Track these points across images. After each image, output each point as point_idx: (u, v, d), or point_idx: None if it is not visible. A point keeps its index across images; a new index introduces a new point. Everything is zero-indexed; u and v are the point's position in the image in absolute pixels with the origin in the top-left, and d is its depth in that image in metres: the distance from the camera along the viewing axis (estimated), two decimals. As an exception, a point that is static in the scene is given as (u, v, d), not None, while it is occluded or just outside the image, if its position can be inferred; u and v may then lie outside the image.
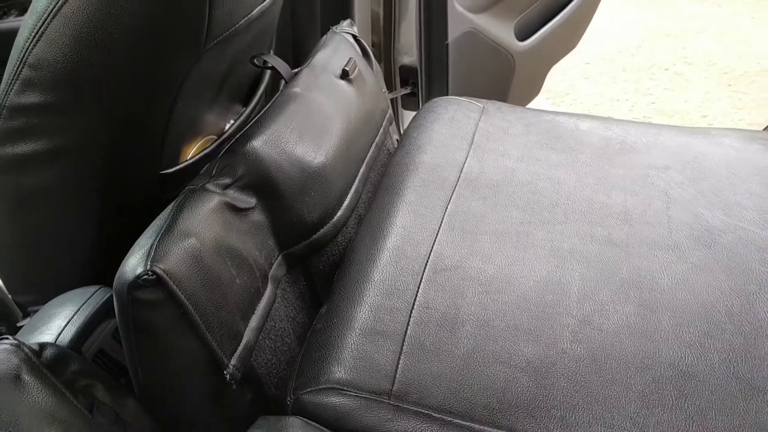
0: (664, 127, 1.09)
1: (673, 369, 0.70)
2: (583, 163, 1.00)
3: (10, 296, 0.97)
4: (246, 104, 1.06)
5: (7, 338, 0.63)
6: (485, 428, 0.66)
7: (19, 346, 0.62)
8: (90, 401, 0.67)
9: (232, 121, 1.04)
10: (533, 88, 1.76)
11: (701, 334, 0.74)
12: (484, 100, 1.16)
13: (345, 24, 1.17)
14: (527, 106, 1.39)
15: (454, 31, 1.44)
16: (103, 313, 0.81)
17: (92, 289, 0.83)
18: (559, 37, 1.73)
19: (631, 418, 0.66)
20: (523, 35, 1.64)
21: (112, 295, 0.80)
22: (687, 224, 0.88)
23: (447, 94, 1.48)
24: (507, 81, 1.62)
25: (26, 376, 0.60)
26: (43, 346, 0.67)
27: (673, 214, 0.90)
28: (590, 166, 1.00)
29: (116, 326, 0.79)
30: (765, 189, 0.94)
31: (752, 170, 0.98)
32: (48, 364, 0.64)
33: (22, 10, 1.31)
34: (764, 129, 1.28)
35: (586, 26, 1.89)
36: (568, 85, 2.77)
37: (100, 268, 0.83)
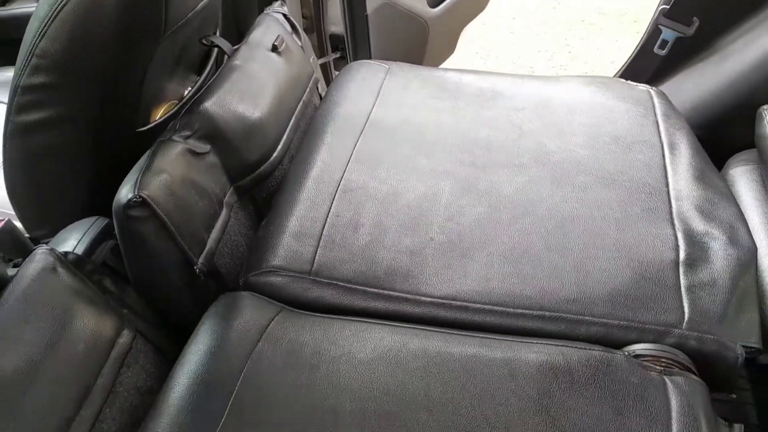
0: (526, 77, 1.40)
1: (505, 246, 1.03)
2: (461, 108, 1.31)
3: (25, 233, 1.25)
4: (199, 74, 1.34)
5: (43, 245, 0.93)
6: (375, 290, 0.98)
7: (52, 250, 0.92)
8: (102, 289, 0.97)
9: (189, 88, 1.32)
10: (448, 48, 2.05)
11: (527, 223, 1.06)
12: (391, 62, 1.46)
13: (276, 5, 1.45)
14: (432, 66, 1.68)
15: (372, 3, 1.72)
16: (102, 235, 1.10)
17: (92, 219, 1.12)
18: (467, 1, 2.02)
19: (477, 278, 0.98)
20: (435, 2, 1.92)
21: (108, 222, 1.10)
22: (531, 149, 1.20)
23: (370, 58, 1.77)
24: (423, 43, 1.91)
25: (59, 268, 0.90)
26: (65, 253, 0.97)
27: (522, 143, 1.22)
28: (466, 110, 1.30)
29: (114, 244, 1.09)
30: (593, 120, 1.26)
31: (586, 107, 1.30)
32: (71, 263, 0.94)
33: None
34: (614, 76, 1.60)
35: (494, -11, 2.17)
36: (494, 41, 3.06)
37: (96, 203, 1.12)
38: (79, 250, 1.05)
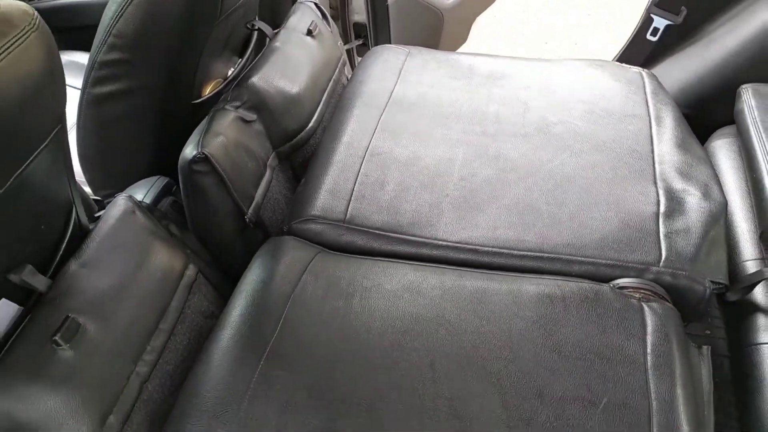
0: (532, 59, 1.57)
1: (510, 201, 1.20)
2: (474, 86, 1.48)
3: (92, 194, 1.43)
4: (241, 56, 1.52)
5: (122, 194, 1.10)
6: (399, 235, 1.15)
7: (131, 197, 1.10)
8: (168, 233, 1.15)
9: (233, 69, 1.49)
10: (460, 37, 2.22)
11: (530, 182, 1.23)
12: (410, 47, 1.63)
13: (308, -5, 1.62)
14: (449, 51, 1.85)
15: (392, -5, 1.89)
16: (163, 192, 1.28)
17: (154, 178, 1.30)
18: (479, -6, 2.18)
19: (486, 226, 1.15)
20: (449, -6, 2.09)
21: (168, 181, 1.28)
22: (535, 122, 1.37)
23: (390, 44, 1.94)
24: (438, 32, 2.08)
25: (137, 212, 1.08)
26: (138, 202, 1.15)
27: (527, 117, 1.38)
28: (478, 88, 1.47)
29: (173, 200, 1.27)
30: (590, 97, 1.43)
31: (584, 86, 1.46)
32: (145, 208, 1.12)
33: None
34: (613, 59, 1.76)
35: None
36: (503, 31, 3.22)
37: (157, 165, 1.30)
38: (146, 202, 1.23)
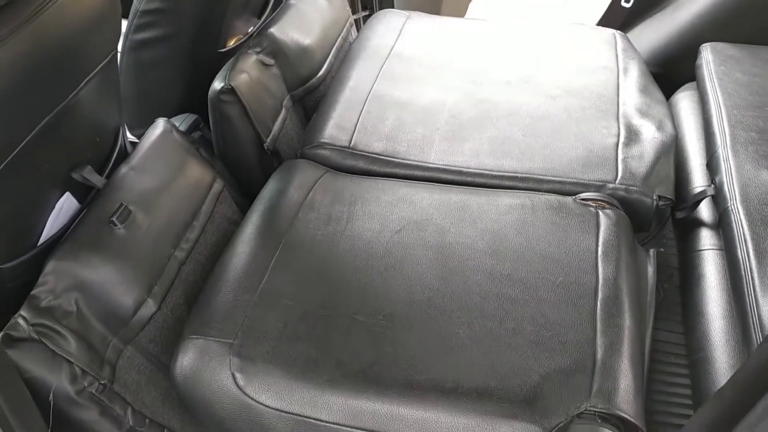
0: (523, 26, 1.76)
1: (492, 134, 1.39)
2: (466, 45, 1.67)
3: (128, 133, 1.63)
4: (260, 17, 1.72)
5: (161, 119, 1.30)
6: (396, 159, 1.35)
7: (168, 120, 1.29)
8: (199, 154, 1.35)
9: (252, 27, 1.69)
10: (459, 8, 2.41)
11: (510, 120, 1.42)
12: (410, 11, 1.82)
13: (320, -36, 1.82)
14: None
15: (396, -31, 2.09)
16: (193, 127, 1.48)
17: (185, 115, 1.50)
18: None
19: (470, 153, 1.34)
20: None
21: (196, 118, 1.48)
22: (518, 73, 1.56)
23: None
24: (438, 4, 2.27)
25: (174, 132, 1.28)
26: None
27: (512, 69, 1.58)
28: (470, 46, 1.67)
29: (200, 135, 1.47)
30: (569, 54, 1.62)
31: (566, 45, 1.65)
32: (180, 131, 1.32)
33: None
34: (596, 24, 1.95)
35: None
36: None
37: (187, 104, 1.50)
38: (178, 134, 1.43)
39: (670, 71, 1.72)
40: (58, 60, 0.97)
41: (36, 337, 0.96)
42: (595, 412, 0.91)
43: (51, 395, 0.97)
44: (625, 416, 0.91)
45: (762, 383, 0.65)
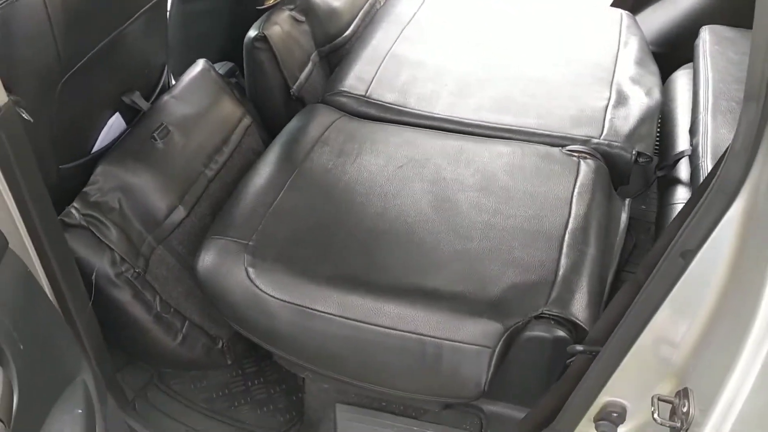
0: (539, 3, 1.90)
1: (494, 93, 1.53)
2: (482, 17, 1.82)
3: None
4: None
5: (201, 60, 1.48)
6: (405, 109, 1.50)
7: (207, 60, 1.47)
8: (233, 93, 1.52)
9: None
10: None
11: (511, 81, 1.57)
12: (435, -15, 1.98)
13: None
14: None
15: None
16: (229, 73, 1.66)
17: (222, 63, 1.68)
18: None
19: (473, 107, 1.50)
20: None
21: (232, 65, 1.66)
22: (527, 42, 1.71)
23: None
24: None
25: (212, 72, 1.46)
26: (211, 70, 1.53)
27: (522, 39, 1.72)
28: (486, 18, 1.82)
29: (235, 81, 1.65)
30: (577, 29, 1.76)
31: (577, 22, 1.79)
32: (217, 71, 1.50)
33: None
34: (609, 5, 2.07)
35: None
36: None
37: (227, 53, 1.68)
38: (215, 78, 1.61)
39: (673, 51, 1.84)
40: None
41: (85, 224, 1.15)
42: (550, 315, 1.06)
43: (94, 275, 1.16)
44: (577, 321, 1.05)
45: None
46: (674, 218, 0.87)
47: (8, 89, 0.91)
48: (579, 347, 0.92)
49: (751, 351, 0.65)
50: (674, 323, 0.73)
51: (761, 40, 0.55)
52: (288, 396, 1.39)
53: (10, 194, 0.93)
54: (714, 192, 0.63)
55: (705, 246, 0.65)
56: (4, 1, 0.96)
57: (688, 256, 0.67)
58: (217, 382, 1.41)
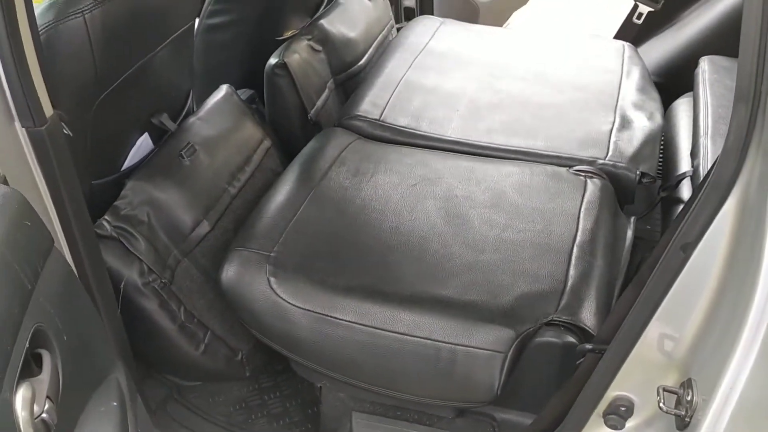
0: (546, 35, 1.99)
1: (504, 117, 1.61)
2: (491, 47, 1.91)
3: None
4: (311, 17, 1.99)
5: (224, 85, 1.56)
6: (418, 132, 1.57)
7: (230, 86, 1.55)
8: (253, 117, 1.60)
9: (303, 24, 1.96)
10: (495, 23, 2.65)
11: (521, 107, 1.64)
12: (443, 18, 2.07)
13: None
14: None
15: (438, -14, 2.35)
16: (250, 100, 1.74)
17: (243, 90, 1.76)
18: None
19: (484, 131, 1.56)
20: (488, -10, 2.53)
21: (252, 93, 1.74)
22: (534, 71, 1.78)
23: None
24: (475, 17, 2.51)
25: (234, 96, 1.53)
26: (233, 96, 1.61)
27: (530, 67, 1.80)
28: (495, 48, 1.90)
29: (255, 107, 1.73)
30: (583, 60, 1.84)
31: (579, 52, 1.87)
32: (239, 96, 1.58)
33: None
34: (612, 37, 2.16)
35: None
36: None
37: (247, 81, 1.76)
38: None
39: (674, 81, 1.92)
40: (151, 19, 1.24)
41: (115, 236, 1.21)
42: (560, 322, 1.11)
43: (123, 284, 1.21)
44: (585, 327, 1.10)
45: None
46: (677, 215, 0.92)
47: (54, 104, 0.99)
48: (588, 345, 0.96)
49: (748, 339, 0.70)
50: (677, 315, 0.78)
51: (749, 46, 0.61)
52: (303, 409, 1.43)
53: (51, 201, 0.99)
54: (710, 188, 0.69)
55: (704, 239, 0.71)
56: (50, 23, 1.04)
57: (688, 248, 0.72)
58: (234, 396, 1.45)
